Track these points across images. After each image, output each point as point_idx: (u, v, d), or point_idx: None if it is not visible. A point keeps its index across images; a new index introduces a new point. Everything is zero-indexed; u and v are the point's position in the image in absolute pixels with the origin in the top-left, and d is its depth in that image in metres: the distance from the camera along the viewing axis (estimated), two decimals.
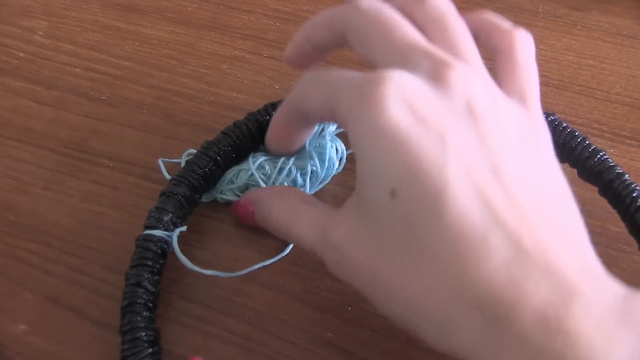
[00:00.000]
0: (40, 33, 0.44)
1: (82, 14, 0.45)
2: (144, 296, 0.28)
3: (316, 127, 0.33)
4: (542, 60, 0.43)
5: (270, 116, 0.34)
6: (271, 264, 0.32)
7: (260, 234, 0.33)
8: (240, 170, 0.33)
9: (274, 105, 0.35)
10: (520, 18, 0.45)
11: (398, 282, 0.22)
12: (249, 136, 0.34)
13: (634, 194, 0.31)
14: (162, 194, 0.32)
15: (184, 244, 0.33)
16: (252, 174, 0.33)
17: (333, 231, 0.25)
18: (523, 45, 0.26)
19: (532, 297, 0.20)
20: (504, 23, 0.27)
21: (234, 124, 0.34)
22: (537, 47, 0.43)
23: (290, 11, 0.46)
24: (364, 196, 0.24)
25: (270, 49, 0.43)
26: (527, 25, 0.45)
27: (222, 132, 0.34)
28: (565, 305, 0.19)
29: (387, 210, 0.22)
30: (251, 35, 0.44)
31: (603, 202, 0.32)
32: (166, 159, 0.35)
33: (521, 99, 0.25)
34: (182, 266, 0.32)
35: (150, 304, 0.28)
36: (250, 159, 0.33)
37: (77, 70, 0.41)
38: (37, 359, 0.29)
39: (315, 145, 0.33)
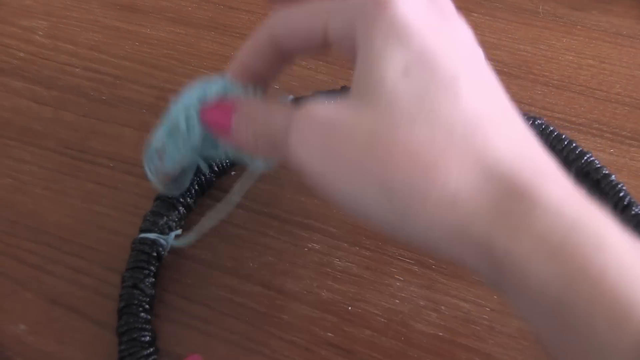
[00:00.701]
0: (40, 33, 0.44)
1: (82, 14, 0.45)
2: (141, 298, 0.28)
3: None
4: (542, 60, 0.43)
5: None
6: (271, 263, 0.32)
7: (261, 234, 0.33)
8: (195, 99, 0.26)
9: None
10: (520, 18, 0.45)
11: (403, 146, 0.21)
12: None
13: (621, 194, 0.32)
14: (157, 198, 0.32)
15: None
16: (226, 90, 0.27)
17: (315, 103, 0.23)
18: None
19: (557, 181, 0.20)
20: None
21: None
22: (537, 47, 0.43)
23: None
24: (364, 83, 0.22)
25: None
26: (527, 25, 0.45)
27: None
28: (589, 205, 0.19)
29: (394, 85, 0.21)
30: None
31: None
32: None
33: None
34: (181, 266, 0.32)
35: (147, 306, 0.29)
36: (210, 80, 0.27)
37: (77, 70, 0.41)
38: (37, 359, 0.29)
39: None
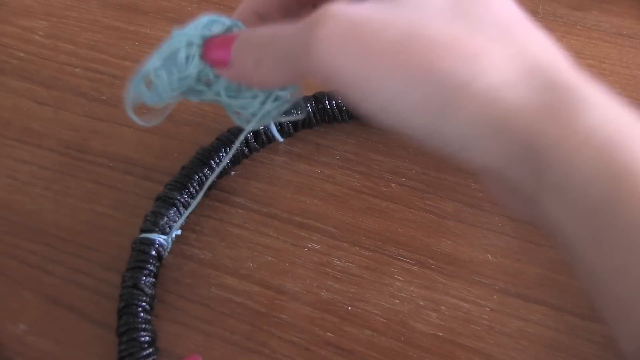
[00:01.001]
0: (40, 33, 0.44)
1: (82, 14, 0.45)
2: (141, 298, 0.29)
3: None
4: None
5: None
6: (271, 263, 0.32)
7: (260, 234, 0.33)
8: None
9: None
10: None
11: (444, 37, 0.20)
12: (244, 143, 0.35)
13: None
14: (158, 198, 0.32)
15: (184, 244, 0.33)
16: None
17: (340, 4, 0.21)
18: None
19: (595, 85, 0.19)
20: None
21: (228, 130, 0.35)
22: None
23: None
24: None
25: None
26: None
27: (217, 139, 0.35)
28: (628, 109, 0.19)
29: None
30: None
31: None
32: None
33: None
34: (181, 266, 0.32)
35: (147, 306, 0.29)
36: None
37: (77, 70, 0.41)
38: (37, 359, 0.29)
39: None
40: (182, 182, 0.33)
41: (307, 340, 0.29)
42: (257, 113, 0.26)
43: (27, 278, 0.31)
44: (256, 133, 0.35)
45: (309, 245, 0.32)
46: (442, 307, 0.30)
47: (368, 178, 0.35)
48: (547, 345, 0.29)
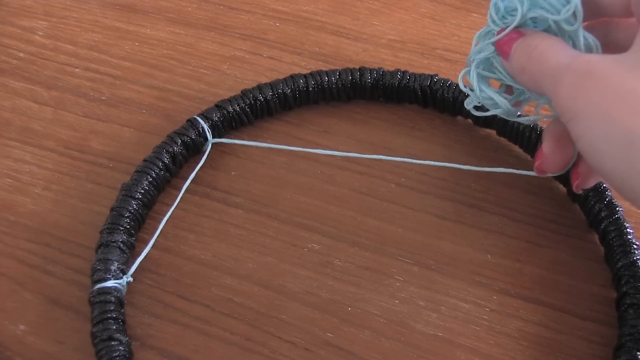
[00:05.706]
0: (40, 33, 0.44)
1: (82, 14, 0.45)
2: (119, 348, 0.27)
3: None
4: None
5: (176, 143, 0.34)
6: (271, 263, 0.32)
7: (260, 234, 0.33)
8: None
9: (178, 133, 0.35)
10: None
11: None
12: (164, 168, 0.34)
13: (531, 125, 0.34)
14: (100, 245, 0.31)
15: (184, 244, 0.33)
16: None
17: (585, 56, 0.24)
18: None
19: None
20: None
21: (145, 160, 0.34)
22: None
23: (290, 11, 0.46)
24: None
25: (270, 49, 0.43)
26: None
27: (136, 171, 0.33)
28: None
29: None
30: (251, 35, 0.44)
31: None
32: None
33: None
34: (181, 266, 0.32)
35: (127, 354, 0.28)
36: None
37: (77, 70, 0.41)
38: (37, 359, 0.29)
39: None
40: (117, 222, 0.31)
41: (307, 340, 0.29)
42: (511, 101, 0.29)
43: (27, 278, 0.31)
44: (173, 156, 0.34)
45: (309, 245, 0.32)
46: (442, 308, 0.30)
47: (368, 178, 0.35)
48: (547, 345, 0.29)
